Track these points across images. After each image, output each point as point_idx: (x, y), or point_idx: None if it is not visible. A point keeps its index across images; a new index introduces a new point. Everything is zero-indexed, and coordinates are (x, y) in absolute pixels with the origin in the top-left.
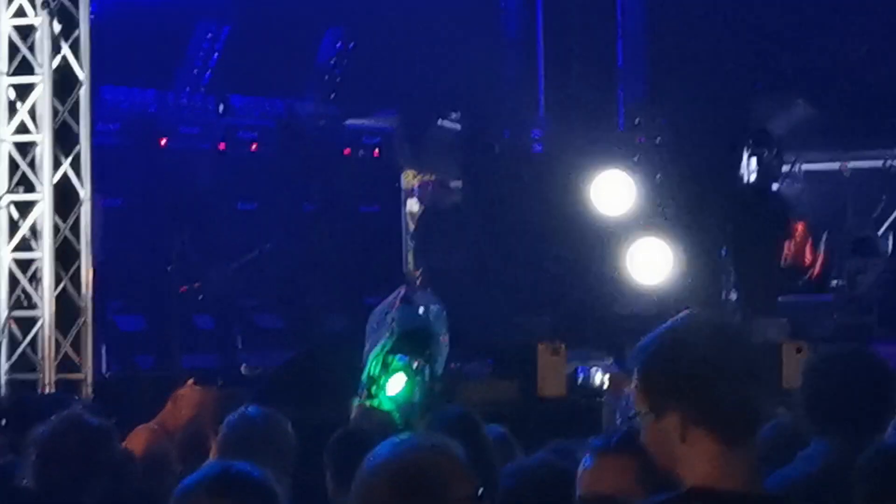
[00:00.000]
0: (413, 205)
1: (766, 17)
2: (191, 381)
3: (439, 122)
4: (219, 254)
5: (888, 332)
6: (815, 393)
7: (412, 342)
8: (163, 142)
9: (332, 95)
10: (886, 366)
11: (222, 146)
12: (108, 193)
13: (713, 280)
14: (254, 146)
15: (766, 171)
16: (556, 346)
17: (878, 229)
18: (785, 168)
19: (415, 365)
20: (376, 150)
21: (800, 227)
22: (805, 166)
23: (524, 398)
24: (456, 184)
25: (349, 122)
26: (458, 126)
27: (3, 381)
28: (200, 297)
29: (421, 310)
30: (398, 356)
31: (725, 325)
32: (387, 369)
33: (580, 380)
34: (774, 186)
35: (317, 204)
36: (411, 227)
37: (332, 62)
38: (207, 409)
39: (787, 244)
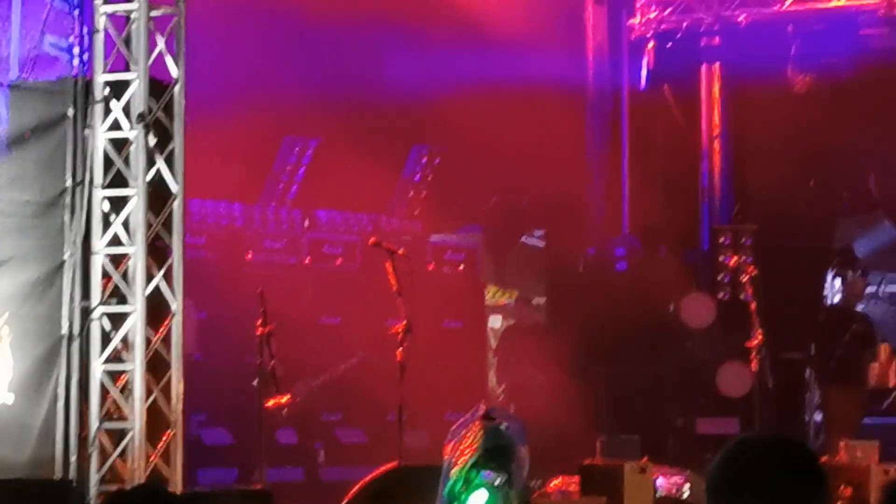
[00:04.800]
0: (496, 321)
1: (851, 138)
2: None
3: (523, 238)
4: (302, 368)
5: None
6: None
7: (495, 458)
8: (248, 255)
9: (417, 211)
10: None
11: (307, 260)
12: (194, 306)
13: (797, 401)
14: (338, 261)
15: (851, 292)
16: (642, 465)
17: None
18: (870, 289)
19: (497, 481)
20: (460, 266)
21: (884, 349)
22: (890, 288)
23: None
24: (539, 301)
25: (433, 237)
26: (541, 243)
27: (92, 493)
28: (285, 412)
29: (503, 426)
30: (481, 472)
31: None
32: (468, 485)
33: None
34: (859, 307)
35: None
36: (494, 343)
37: (417, 178)
38: None
39: (871, 366)
